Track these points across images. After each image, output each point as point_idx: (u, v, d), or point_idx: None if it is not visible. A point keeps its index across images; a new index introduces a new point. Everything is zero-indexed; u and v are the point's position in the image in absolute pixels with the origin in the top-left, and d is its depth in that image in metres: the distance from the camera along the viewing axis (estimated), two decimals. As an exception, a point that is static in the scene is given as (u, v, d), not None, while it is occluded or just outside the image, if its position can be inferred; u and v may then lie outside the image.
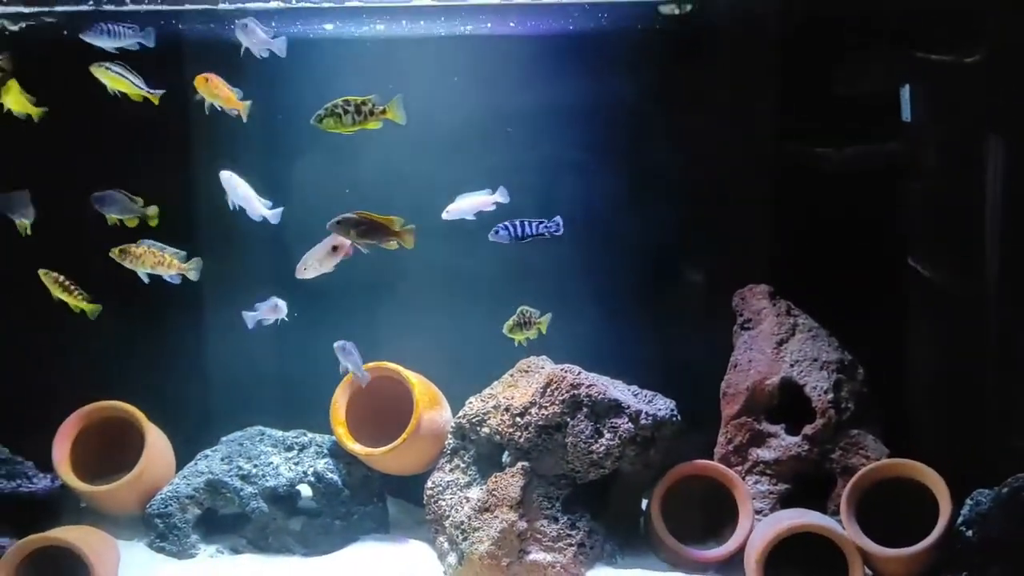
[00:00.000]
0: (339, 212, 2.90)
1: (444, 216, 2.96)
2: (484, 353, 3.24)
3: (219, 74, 2.61)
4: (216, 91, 2.68)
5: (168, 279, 2.94)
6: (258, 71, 2.69)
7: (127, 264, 2.90)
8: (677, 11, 3.05)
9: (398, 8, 2.78)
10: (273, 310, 3.02)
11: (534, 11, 2.87)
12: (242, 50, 2.64)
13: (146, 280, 2.93)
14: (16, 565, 2.79)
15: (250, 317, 3.01)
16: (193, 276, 2.96)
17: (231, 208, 2.90)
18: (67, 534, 2.86)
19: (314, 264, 2.90)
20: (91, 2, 2.45)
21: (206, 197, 3.20)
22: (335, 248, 2.88)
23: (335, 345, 3.02)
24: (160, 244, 2.93)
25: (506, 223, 2.90)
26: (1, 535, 3.04)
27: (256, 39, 2.65)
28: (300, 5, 2.54)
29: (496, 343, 3.23)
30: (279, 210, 2.95)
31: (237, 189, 2.91)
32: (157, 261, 2.91)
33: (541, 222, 2.92)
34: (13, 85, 2.73)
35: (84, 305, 2.95)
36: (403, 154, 3.17)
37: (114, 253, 2.88)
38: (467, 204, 2.96)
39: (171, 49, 2.80)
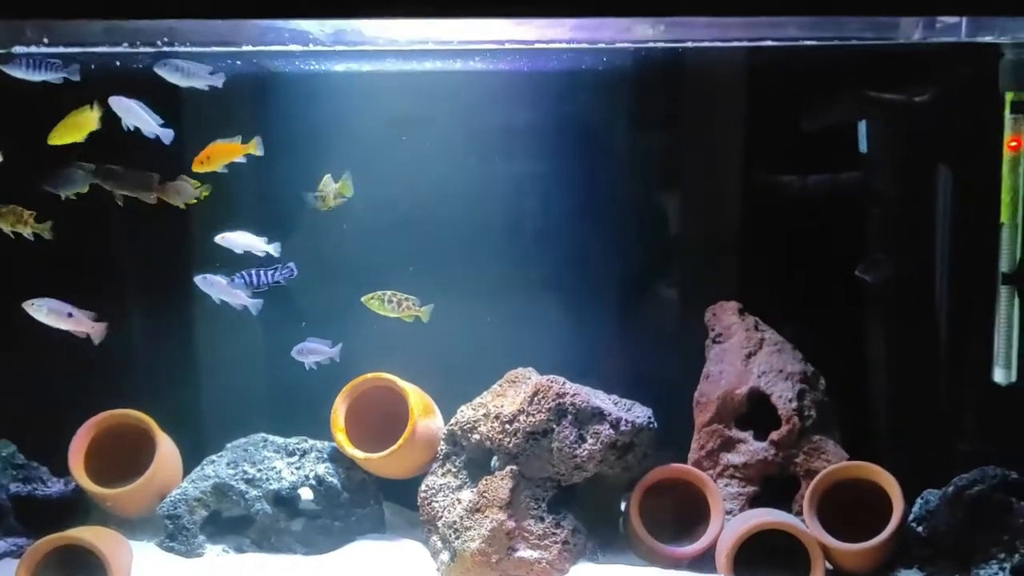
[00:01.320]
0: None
1: (217, 239, 3.26)
2: (471, 365, 3.48)
3: (239, 107, 2.85)
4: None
5: (27, 236, 3.15)
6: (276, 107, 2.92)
7: None
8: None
9: (402, 51, 3.04)
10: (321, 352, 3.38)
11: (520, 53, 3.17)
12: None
13: (11, 236, 3.15)
14: (36, 562, 2.96)
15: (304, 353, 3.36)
16: (47, 235, 3.16)
17: (125, 130, 3.02)
18: (84, 533, 3.02)
19: (42, 309, 3.16)
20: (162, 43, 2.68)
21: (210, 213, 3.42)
22: (70, 315, 3.17)
23: (294, 353, 3.35)
24: (20, 208, 3.14)
25: (242, 273, 3.24)
26: (18, 536, 3.23)
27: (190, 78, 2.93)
28: (316, 48, 2.77)
29: (482, 356, 3.47)
30: (170, 132, 3.07)
31: (130, 111, 3.03)
32: (17, 219, 3.14)
33: (275, 269, 3.25)
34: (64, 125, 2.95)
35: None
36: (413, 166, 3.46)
37: None
38: (241, 240, 3.27)
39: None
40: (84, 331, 3.22)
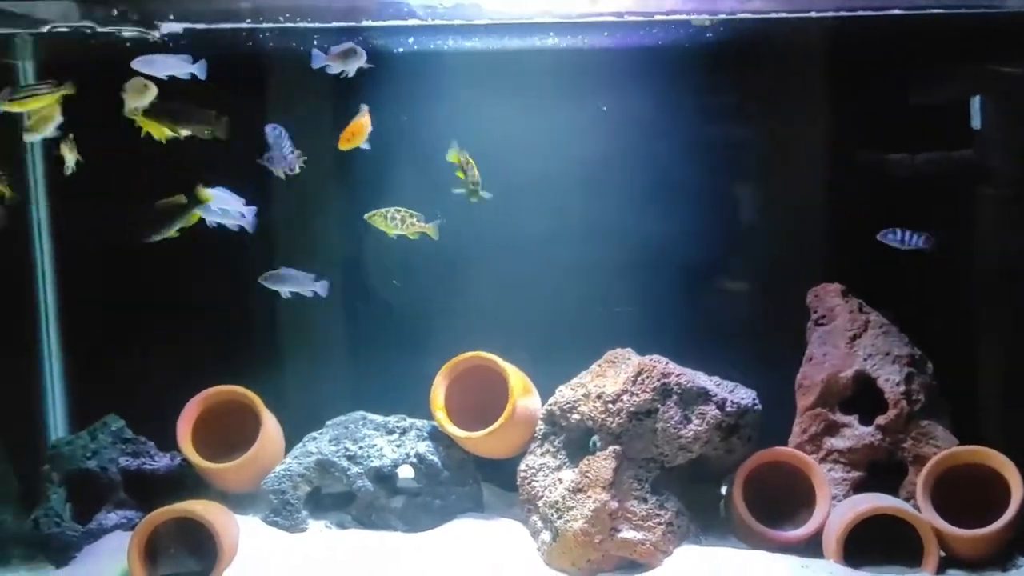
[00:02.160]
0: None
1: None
2: (567, 344, 3.46)
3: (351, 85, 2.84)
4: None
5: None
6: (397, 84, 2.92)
7: None
8: (708, 22, 3.23)
9: (529, 24, 3.01)
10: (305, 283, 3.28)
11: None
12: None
13: None
14: (148, 534, 3.02)
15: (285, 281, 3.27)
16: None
17: (165, 79, 2.93)
18: (194, 506, 3.08)
19: None
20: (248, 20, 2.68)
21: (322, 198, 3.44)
22: None
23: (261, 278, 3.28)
24: None
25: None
26: (128, 509, 3.30)
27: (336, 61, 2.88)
28: (435, 22, 2.76)
29: (576, 336, 3.45)
30: (202, 64, 2.95)
31: (155, 64, 2.92)
32: None
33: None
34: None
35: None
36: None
37: None
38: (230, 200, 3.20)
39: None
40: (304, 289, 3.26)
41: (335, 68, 2.86)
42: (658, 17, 2.84)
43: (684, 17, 2.89)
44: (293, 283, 3.34)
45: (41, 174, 3.64)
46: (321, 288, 3.36)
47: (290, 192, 3.34)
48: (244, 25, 2.66)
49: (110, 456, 3.30)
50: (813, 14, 2.80)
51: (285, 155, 3.05)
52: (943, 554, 3.00)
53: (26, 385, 3.47)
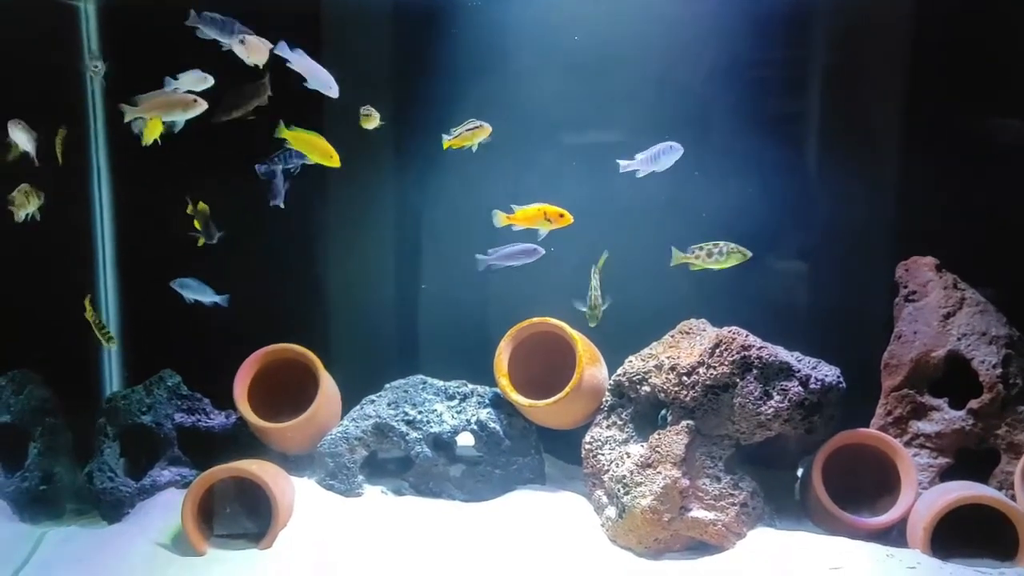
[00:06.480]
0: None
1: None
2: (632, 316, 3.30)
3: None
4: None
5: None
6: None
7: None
8: None
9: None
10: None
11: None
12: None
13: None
14: (203, 493, 2.94)
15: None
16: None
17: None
18: (250, 466, 2.99)
19: None
20: None
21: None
22: None
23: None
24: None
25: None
26: (182, 466, 3.23)
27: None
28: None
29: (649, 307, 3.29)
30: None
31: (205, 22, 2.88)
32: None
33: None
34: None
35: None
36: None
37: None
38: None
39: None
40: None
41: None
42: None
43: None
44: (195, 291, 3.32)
45: (103, 127, 3.58)
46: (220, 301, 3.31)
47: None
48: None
49: (165, 412, 3.22)
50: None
51: None
52: (1039, 549, 2.80)
53: (82, 338, 3.40)
